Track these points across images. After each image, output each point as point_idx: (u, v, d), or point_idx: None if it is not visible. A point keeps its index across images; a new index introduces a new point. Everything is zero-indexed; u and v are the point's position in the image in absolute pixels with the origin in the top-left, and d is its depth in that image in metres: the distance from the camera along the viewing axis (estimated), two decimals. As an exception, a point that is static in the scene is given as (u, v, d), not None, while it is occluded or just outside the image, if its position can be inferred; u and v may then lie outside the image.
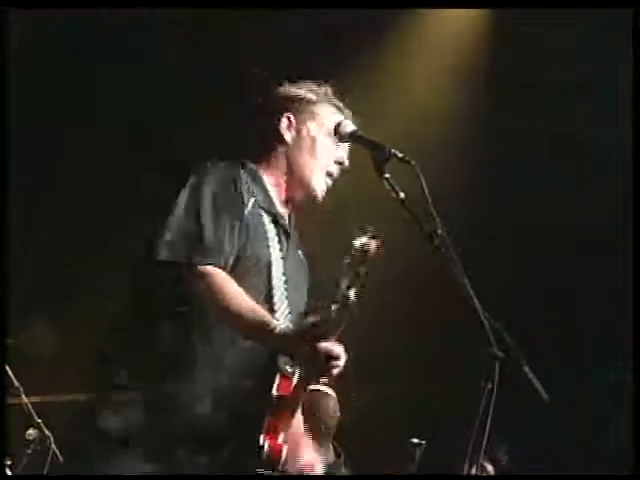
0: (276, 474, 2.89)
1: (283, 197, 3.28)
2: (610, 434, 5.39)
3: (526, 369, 2.92)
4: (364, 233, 2.88)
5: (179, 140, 5.59)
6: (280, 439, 2.85)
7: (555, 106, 5.73)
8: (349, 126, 3.20)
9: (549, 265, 5.72)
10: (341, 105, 3.34)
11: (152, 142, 5.73)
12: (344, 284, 2.74)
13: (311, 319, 2.86)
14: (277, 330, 2.87)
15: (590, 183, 5.68)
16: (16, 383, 4.09)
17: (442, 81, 5.96)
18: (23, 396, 4.10)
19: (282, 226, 3.21)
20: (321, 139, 3.27)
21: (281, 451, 2.83)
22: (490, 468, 4.59)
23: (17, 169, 4.35)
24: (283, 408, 2.87)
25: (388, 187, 3.06)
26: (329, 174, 3.28)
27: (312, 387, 3.07)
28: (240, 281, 2.99)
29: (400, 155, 3.06)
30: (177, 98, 5.76)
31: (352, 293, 2.74)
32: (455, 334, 4.81)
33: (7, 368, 3.96)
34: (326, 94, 3.34)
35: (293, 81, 3.36)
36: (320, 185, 3.26)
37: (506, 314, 2.97)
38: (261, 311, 2.93)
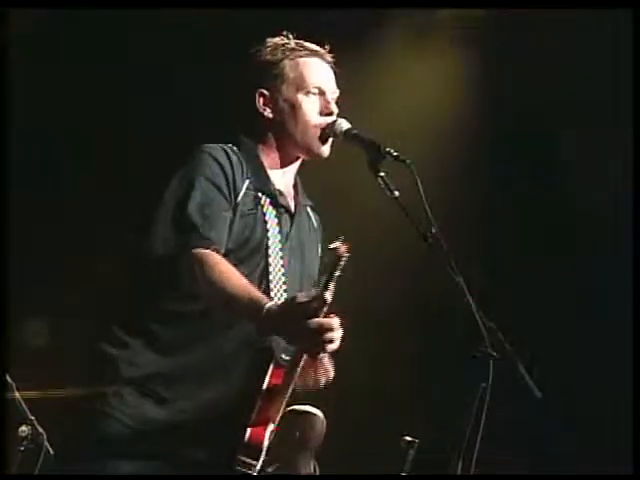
0: (271, 474, 2.90)
1: (285, 168, 3.21)
2: (610, 434, 5.38)
3: (520, 368, 2.92)
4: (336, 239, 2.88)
5: (181, 137, 5.59)
6: (268, 429, 2.82)
7: (555, 105, 5.73)
8: (344, 124, 3.16)
9: (547, 265, 5.72)
10: (310, 46, 3.23)
11: (152, 141, 5.73)
12: (322, 282, 2.72)
13: (298, 297, 2.77)
14: (266, 308, 2.76)
15: (590, 182, 5.67)
16: (9, 380, 4.09)
17: (441, 80, 5.96)
18: (16, 392, 4.09)
19: (282, 205, 3.15)
20: (300, 98, 3.17)
21: (262, 439, 2.79)
22: None
23: (17, 169, 4.37)
24: (274, 397, 2.84)
25: (382, 185, 3.06)
26: (323, 128, 3.17)
27: (297, 408, 3.03)
28: (236, 269, 2.92)
29: (395, 154, 3.05)
30: (177, 98, 5.77)
31: (328, 294, 2.72)
32: (449, 333, 4.81)
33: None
34: (289, 47, 3.21)
35: (258, 51, 3.23)
36: (317, 144, 3.17)
37: (501, 313, 2.97)
38: (253, 290, 2.83)
